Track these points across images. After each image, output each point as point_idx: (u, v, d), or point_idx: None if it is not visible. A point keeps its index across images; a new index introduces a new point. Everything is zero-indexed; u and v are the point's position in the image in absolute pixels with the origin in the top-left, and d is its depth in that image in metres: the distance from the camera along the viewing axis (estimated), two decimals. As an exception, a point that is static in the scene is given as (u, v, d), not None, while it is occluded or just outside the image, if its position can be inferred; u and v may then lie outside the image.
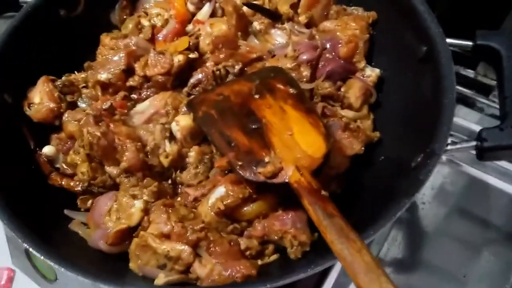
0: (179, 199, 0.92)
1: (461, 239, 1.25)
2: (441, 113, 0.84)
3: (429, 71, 0.95)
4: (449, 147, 0.84)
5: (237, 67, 1.07)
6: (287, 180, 0.80)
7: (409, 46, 1.03)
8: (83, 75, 1.08)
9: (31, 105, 0.98)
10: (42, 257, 0.71)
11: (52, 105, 0.98)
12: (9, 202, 0.80)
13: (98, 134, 0.88)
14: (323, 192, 0.75)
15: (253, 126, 0.88)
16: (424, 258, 1.24)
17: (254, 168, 0.82)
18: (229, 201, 0.84)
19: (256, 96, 0.94)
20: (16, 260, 1.32)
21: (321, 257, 0.77)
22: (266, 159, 0.82)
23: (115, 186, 0.92)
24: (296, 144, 0.83)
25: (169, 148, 0.96)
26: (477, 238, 1.25)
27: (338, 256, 0.66)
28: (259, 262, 0.86)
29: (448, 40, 0.94)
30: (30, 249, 0.73)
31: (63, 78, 1.05)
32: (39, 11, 1.07)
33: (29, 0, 1.09)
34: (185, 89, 1.05)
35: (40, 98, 0.98)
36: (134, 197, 0.85)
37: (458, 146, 0.86)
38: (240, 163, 0.83)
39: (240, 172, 0.82)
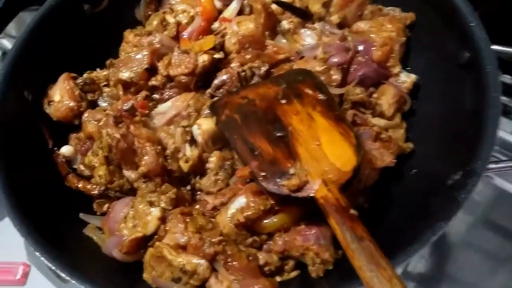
0: (197, 206, 0.88)
1: (489, 254, 1.18)
2: (483, 128, 0.77)
3: (471, 80, 0.87)
4: (491, 166, 0.76)
5: (264, 69, 1.02)
6: (312, 195, 0.74)
7: (449, 51, 0.95)
8: (104, 73, 1.05)
9: (51, 102, 0.96)
10: (53, 268, 0.68)
11: (72, 103, 0.95)
12: (22, 206, 0.77)
13: (118, 136, 0.85)
14: (352, 211, 0.69)
15: (278, 134, 0.83)
16: (450, 273, 1.17)
17: (278, 180, 0.77)
18: (249, 213, 0.79)
19: (283, 101, 0.89)
20: (31, 257, 1.31)
21: (346, 281, 0.71)
22: (291, 171, 0.77)
23: (133, 191, 0.89)
24: (324, 155, 0.78)
25: (190, 152, 0.92)
26: (505, 253, 1.17)
27: (366, 284, 0.60)
28: (278, 278, 0.81)
29: (493, 47, 0.87)
30: (42, 258, 0.70)
31: (84, 75, 1.02)
32: (63, 5, 1.04)
33: (53, -6, 1.07)
34: (209, 91, 1.01)
35: (61, 96, 0.95)
36: (151, 204, 0.81)
37: (501, 165, 0.78)
38: (263, 173, 0.78)
39: (263, 183, 0.77)
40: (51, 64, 1.01)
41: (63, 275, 0.68)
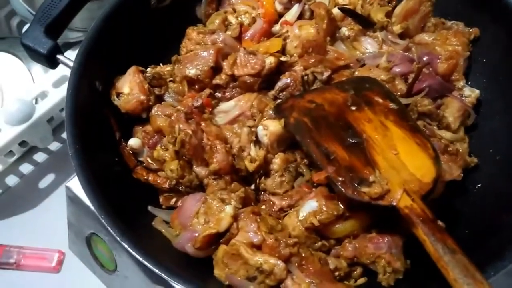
0: (263, 207, 0.88)
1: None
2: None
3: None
4: None
5: (326, 74, 1.02)
6: (394, 204, 0.75)
7: (516, 68, 0.96)
8: (168, 68, 1.05)
9: (120, 95, 0.96)
10: (140, 258, 0.68)
11: (142, 97, 0.95)
12: (105, 196, 0.77)
13: (190, 132, 0.85)
14: (439, 222, 0.69)
15: (352, 140, 0.83)
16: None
17: (357, 186, 0.77)
18: (322, 217, 0.80)
19: (353, 108, 0.89)
20: (73, 246, 1.32)
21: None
22: (371, 178, 0.77)
23: (201, 187, 0.89)
24: (403, 165, 0.78)
25: (255, 152, 0.92)
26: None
27: (464, 297, 0.61)
28: (344, 283, 0.81)
29: None
30: (128, 248, 0.70)
31: (150, 70, 1.02)
32: (131, -1, 1.05)
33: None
34: (272, 92, 1.02)
35: (130, 89, 0.95)
36: (223, 201, 0.82)
37: None
38: (341, 179, 0.78)
39: (342, 189, 0.78)
40: (117, 56, 1.01)
41: (153, 268, 0.68)
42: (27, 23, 1.67)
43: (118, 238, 0.70)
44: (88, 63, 0.92)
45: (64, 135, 1.58)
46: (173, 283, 0.69)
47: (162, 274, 0.67)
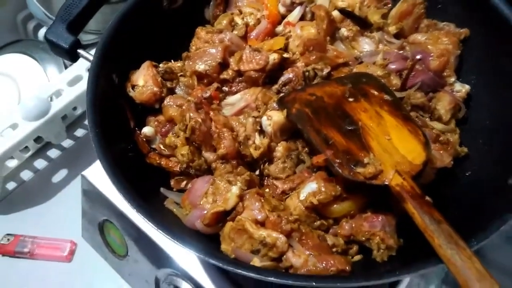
0: (267, 190, 0.95)
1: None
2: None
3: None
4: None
5: (326, 70, 1.10)
6: (387, 183, 0.81)
7: (503, 68, 1.03)
8: (179, 64, 1.13)
9: (134, 87, 1.04)
10: (156, 228, 0.75)
11: (155, 88, 1.03)
12: (122, 176, 0.84)
13: (200, 120, 0.92)
14: (427, 198, 0.76)
15: (349, 128, 0.90)
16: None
17: (353, 167, 0.84)
18: (321, 197, 0.86)
19: (350, 99, 0.96)
20: (86, 234, 1.39)
21: (408, 266, 0.77)
22: (366, 160, 0.84)
23: (209, 171, 0.96)
24: (395, 149, 0.85)
25: (259, 141, 0.99)
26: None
27: (447, 261, 0.67)
28: (342, 260, 0.87)
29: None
30: (145, 219, 0.76)
31: (162, 65, 1.10)
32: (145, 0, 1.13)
33: (135, -10, 1.15)
34: (275, 87, 1.09)
35: (144, 81, 1.03)
36: (229, 182, 0.88)
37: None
38: (338, 161, 0.85)
39: (339, 169, 0.84)
40: (132, 52, 1.09)
41: (177, 243, 0.73)
42: (43, 26, 1.76)
43: (135, 210, 0.76)
44: (106, 57, 0.99)
45: (77, 133, 1.67)
46: (186, 250, 0.74)
47: (176, 242, 0.74)
